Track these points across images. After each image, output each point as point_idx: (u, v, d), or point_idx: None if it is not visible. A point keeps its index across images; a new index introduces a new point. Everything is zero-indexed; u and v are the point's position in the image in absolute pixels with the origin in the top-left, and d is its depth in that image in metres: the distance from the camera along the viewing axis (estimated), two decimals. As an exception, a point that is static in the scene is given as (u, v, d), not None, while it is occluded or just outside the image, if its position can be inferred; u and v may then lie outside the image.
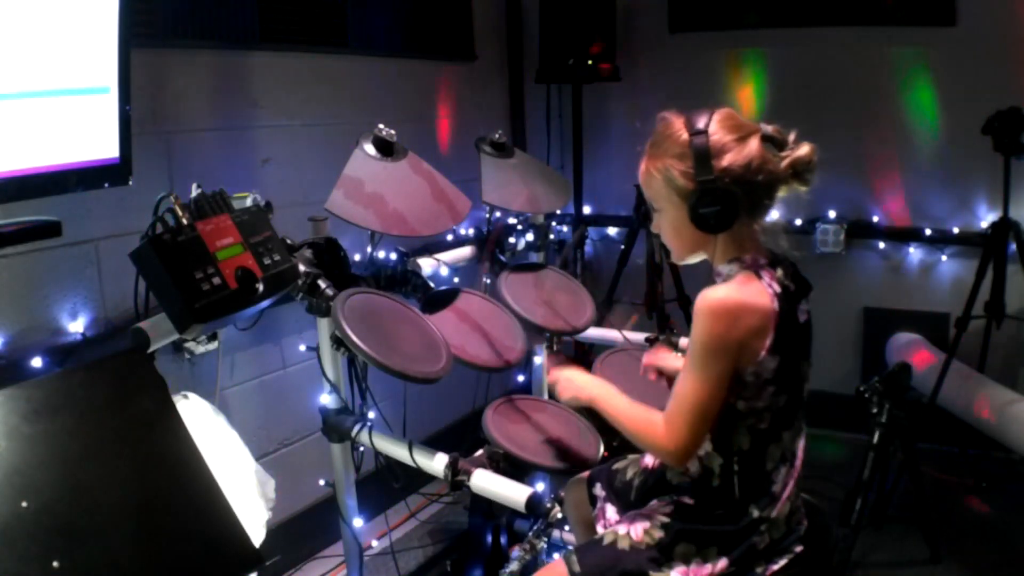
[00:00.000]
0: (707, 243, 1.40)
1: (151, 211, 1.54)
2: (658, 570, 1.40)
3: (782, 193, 1.38)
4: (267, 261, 1.61)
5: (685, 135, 1.35)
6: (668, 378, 1.75)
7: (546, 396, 2.50)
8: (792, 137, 1.37)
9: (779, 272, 1.38)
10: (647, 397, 1.99)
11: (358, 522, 1.98)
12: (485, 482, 1.66)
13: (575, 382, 1.59)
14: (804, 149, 1.36)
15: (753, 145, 1.34)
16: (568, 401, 1.61)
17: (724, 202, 1.33)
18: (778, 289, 1.35)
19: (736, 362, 1.32)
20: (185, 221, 1.51)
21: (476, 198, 2.24)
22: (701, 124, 1.35)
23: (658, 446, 1.39)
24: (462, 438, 2.31)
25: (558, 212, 3.31)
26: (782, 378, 1.35)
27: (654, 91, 3.61)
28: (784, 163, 1.34)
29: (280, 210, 1.87)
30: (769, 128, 1.36)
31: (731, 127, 1.35)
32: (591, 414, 1.67)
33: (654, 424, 1.38)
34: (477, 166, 2.30)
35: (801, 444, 1.43)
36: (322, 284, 1.80)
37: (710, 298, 1.32)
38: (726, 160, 1.33)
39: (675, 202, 1.39)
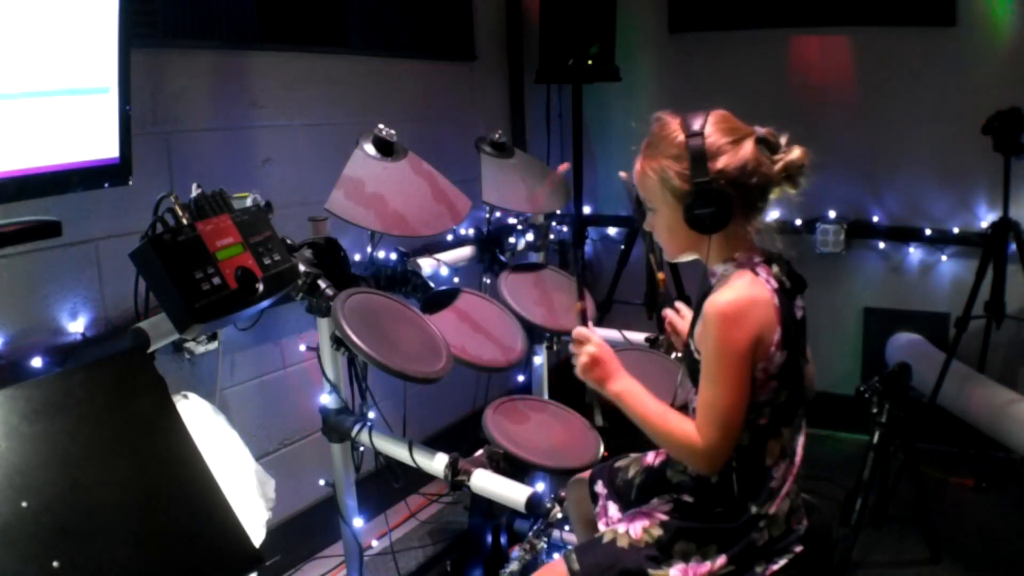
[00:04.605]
0: (701, 243, 1.41)
1: (151, 211, 1.54)
2: (657, 568, 1.40)
3: (774, 196, 1.39)
4: (267, 261, 1.61)
5: (681, 136, 1.36)
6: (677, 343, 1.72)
7: (546, 396, 2.50)
8: (785, 140, 1.39)
9: (775, 269, 1.39)
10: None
11: (358, 522, 1.98)
12: (485, 482, 1.66)
13: (604, 367, 1.44)
14: (796, 152, 1.37)
15: (748, 148, 1.35)
16: (586, 381, 1.46)
17: (719, 203, 1.34)
18: (775, 284, 1.37)
19: (753, 360, 1.32)
20: (185, 221, 1.51)
21: (476, 198, 2.24)
22: (697, 125, 1.36)
23: (691, 454, 1.37)
24: (462, 438, 2.31)
25: (558, 212, 3.31)
26: (785, 373, 1.36)
27: (654, 91, 3.62)
28: (777, 166, 1.36)
29: (280, 210, 1.87)
30: (763, 131, 1.38)
31: (726, 129, 1.36)
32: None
33: (688, 433, 1.35)
34: (477, 166, 2.30)
35: (801, 441, 1.43)
36: (322, 284, 1.80)
37: (719, 303, 1.33)
38: (721, 162, 1.34)
39: (670, 202, 1.40)
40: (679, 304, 1.73)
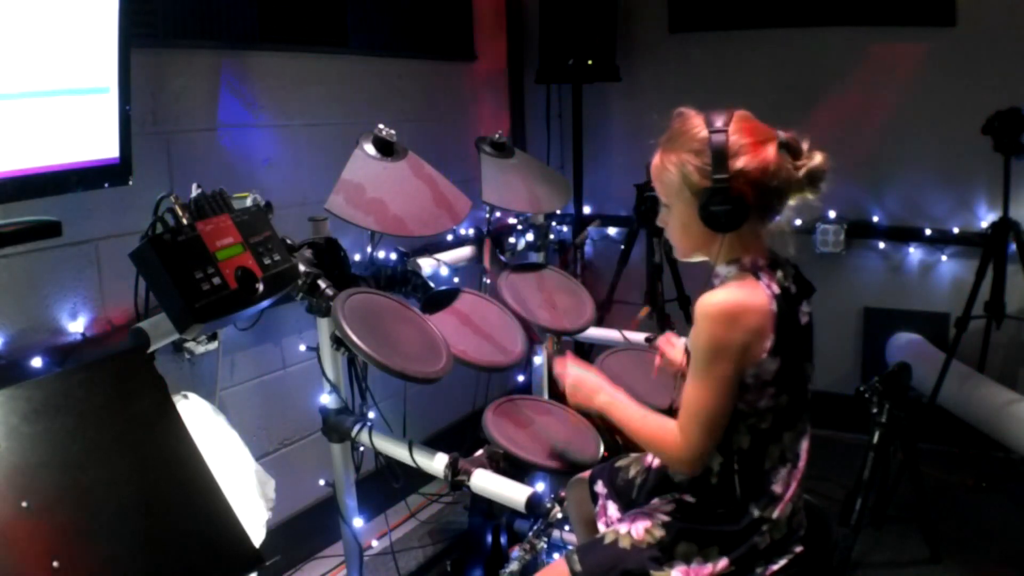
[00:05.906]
0: (713, 242, 1.40)
1: (151, 211, 1.54)
2: (659, 569, 1.40)
3: (793, 200, 1.39)
4: (267, 261, 1.61)
5: (704, 132, 1.35)
6: (673, 371, 1.74)
7: (546, 396, 2.50)
8: (807, 145, 1.38)
9: (779, 274, 1.38)
10: (649, 396, 2.00)
11: (358, 522, 1.98)
12: (485, 482, 1.66)
13: (586, 386, 1.57)
14: (818, 159, 1.37)
15: (770, 150, 1.34)
16: (576, 406, 1.61)
17: (735, 203, 1.33)
18: (777, 290, 1.35)
19: (740, 364, 1.32)
20: (185, 221, 1.51)
21: (476, 198, 2.24)
22: (720, 123, 1.35)
23: (672, 455, 1.40)
24: (462, 438, 2.31)
25: (558, 212, 3.31)
26: (783, 379, 1.35)
27: (654, 91, 3.62)
28: (801, 172, 1.36)
29: (280, 210, 1.87)
30: (785, 135, 1.37)
31: (749, 130, 1.35)
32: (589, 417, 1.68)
33: (668, 432, 1.39)
34: (477, 166, 2.30)
35: (805, 445, 1.43)
36: (322, 284, 1.80)
37: (709, 303, 1.33)
38: (742, 162, 1.33)
39: (686, 198, 1.38)
40: (669, 334, 1.80)
